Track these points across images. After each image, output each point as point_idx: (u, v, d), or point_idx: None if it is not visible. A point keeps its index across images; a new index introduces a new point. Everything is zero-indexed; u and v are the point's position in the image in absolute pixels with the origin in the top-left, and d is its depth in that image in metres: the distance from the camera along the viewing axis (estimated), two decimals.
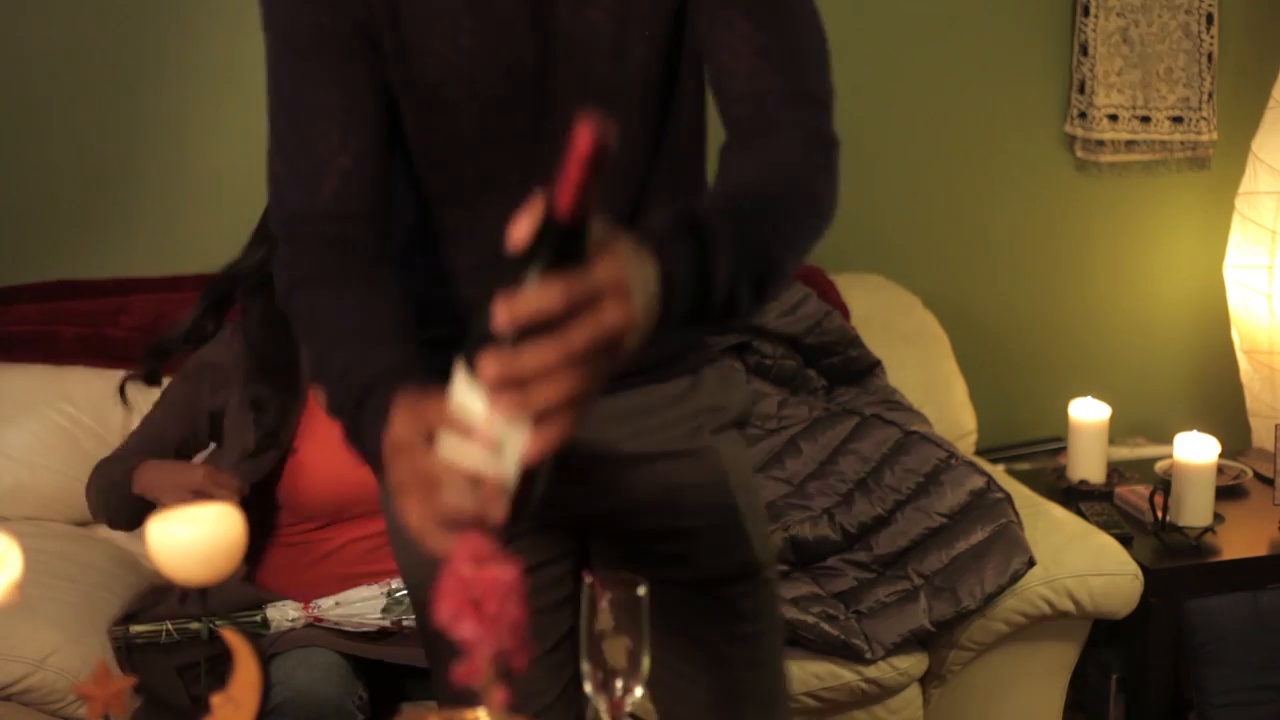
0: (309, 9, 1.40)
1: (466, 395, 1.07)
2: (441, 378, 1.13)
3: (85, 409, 2.69)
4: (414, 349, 1.36)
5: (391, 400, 1.19)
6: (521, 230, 1.01)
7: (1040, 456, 3.33)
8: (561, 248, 1.01)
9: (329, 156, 1.41)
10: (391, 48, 1.43)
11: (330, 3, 1.40)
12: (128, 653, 2.25)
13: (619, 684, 1.23)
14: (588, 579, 1.22)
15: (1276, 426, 3.05)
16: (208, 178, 2.90)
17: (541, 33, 1.43)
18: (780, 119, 1.41)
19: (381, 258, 1.45)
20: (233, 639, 1.11)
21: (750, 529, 1.67)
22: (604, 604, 1.22)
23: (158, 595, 2.39)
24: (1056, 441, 3.31)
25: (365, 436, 1.27)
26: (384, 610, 2.27)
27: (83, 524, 2.69)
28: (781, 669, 1.75)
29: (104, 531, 2.69)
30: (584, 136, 0.99)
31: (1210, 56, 3.34)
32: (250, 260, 2.47)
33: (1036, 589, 2.62)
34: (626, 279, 1.04)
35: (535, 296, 1.00)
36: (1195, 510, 2.90)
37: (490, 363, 1.01)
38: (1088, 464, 3.11)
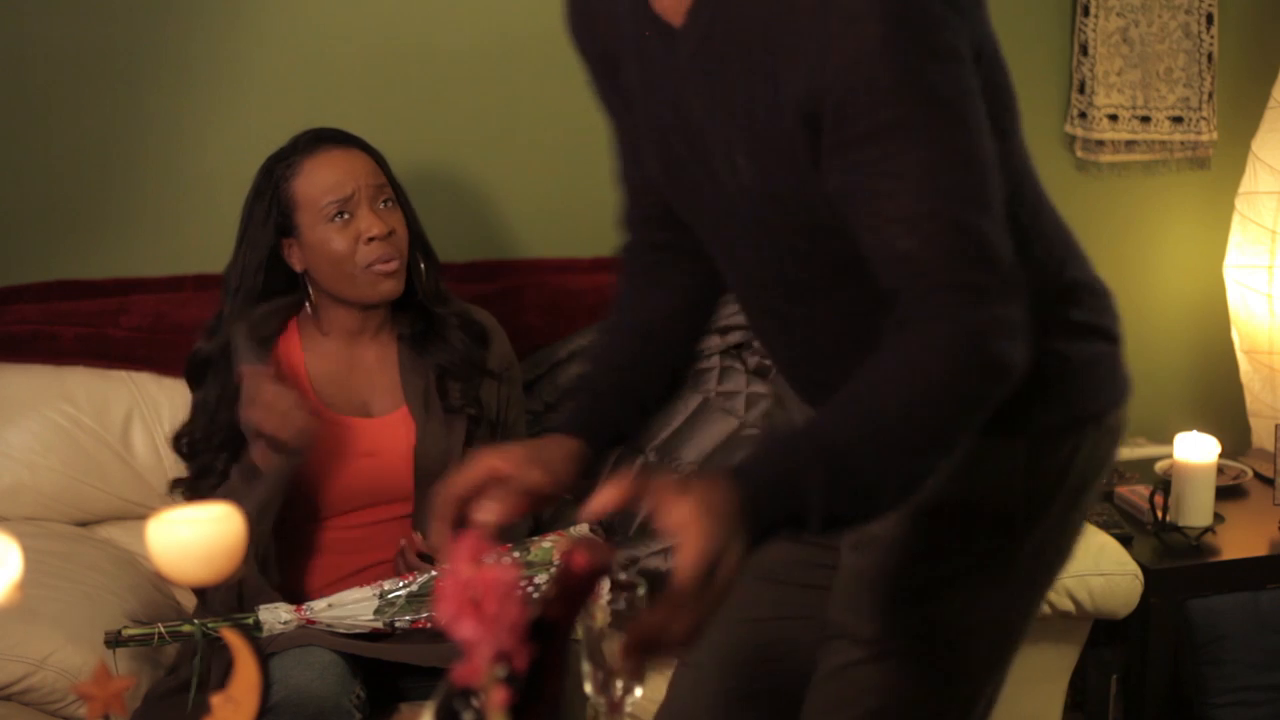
0: (587, 39, 1.57)
1: None
2: None
3: (85, 409, 2.69)
4: (637, 396, 1.58)
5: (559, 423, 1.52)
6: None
7: None
8: (549, 640, 1.11)
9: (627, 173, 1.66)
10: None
11: (590, 33, 1.56)
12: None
13: (619, 684, 1.23)
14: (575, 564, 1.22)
15: (1276, 426, 3.05)
16: (207, 178, 2.89)
17: (682, 126, 1.45)
18: (933, 299, 1.28)
19: (685, 258, 1.64)
20: (233, 639, 1.11)
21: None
22: (604, 604, 1.22)
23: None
24: None
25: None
26: (376, 612, 2.27)
27: (83, 524, 2.70)
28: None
29: (104, 531, 2.70)
30: (578, 560, 1.10)
31: (1210, 56, 3.33)
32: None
33: None
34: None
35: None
36: (1195, 510, 2.90)
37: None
38: None
